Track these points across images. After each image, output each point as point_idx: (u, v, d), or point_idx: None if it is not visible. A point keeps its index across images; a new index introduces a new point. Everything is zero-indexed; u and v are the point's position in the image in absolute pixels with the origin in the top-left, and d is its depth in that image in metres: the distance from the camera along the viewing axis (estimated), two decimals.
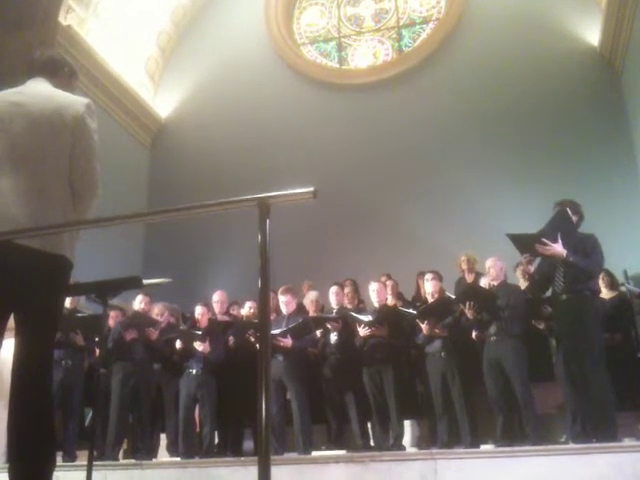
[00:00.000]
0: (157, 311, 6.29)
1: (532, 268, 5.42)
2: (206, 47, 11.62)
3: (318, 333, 5.77)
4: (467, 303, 5.16)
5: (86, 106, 2.52)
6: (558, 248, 4.66)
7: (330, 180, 9.13)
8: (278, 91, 10.83)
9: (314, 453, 5.21)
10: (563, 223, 4.71)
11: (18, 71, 2.67)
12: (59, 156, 2.42)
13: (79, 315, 5.98)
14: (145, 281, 3.05)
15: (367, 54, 11.48)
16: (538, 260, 5.25)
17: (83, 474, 2.66)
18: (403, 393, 5.30)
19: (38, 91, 2.53)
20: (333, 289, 6.01)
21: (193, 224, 9.77)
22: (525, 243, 4.87)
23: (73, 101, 2.52)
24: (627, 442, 4.56)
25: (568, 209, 4.81)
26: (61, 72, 2.69)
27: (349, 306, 5.94)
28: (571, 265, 4.64)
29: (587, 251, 4.69)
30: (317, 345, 5.82)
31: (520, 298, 5.25)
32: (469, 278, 6.34)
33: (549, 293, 5.03)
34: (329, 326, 5.63)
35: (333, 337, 5.61)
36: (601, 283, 6.01)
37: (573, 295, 4.66)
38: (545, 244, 4.67)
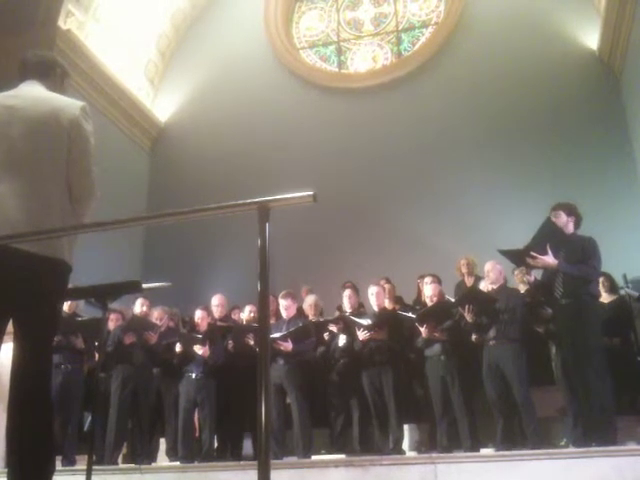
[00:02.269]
0: (156, 315, 6.28)
1: (531, 278, 5.42)
2: (206, 51, 11.64)
3: (325, 336, 5.76)
4: (466, 306, 5.16)
5: (81, 109, 2.52)
6: (548, 259, 4.66)
7: (330, 184, 9.14)
8: (278, 95, 10.84)
9: (314, 457, 5.20)
10: (550, 232, 4.70)
11: (17, 75, 2.67)
12: (56, 159, 2.42)
13: (79, 319, 5.98)
14: (145, 285, 3.05)
15: (366, 58, 11.49)
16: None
17: (82, 478, 2.66)
18: (403, 397, 5.29)
19: (33, 94, 2.52)
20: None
21: (193, 228, 9.77)
22: (517, 257, 4.88)
23: (68, 104, 2.52)
24: (627, 446, 4.56)
25: (562, 212, 4.82)
26: (53, 74, 2.68)
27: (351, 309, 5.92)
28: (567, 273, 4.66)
29: (585, 255, 4.68)
30: (317, 349, 5.82)
31: (519, 301, 5.24)
32: (469, 282, 6.34)
33: None
34: (334, 329, 5.62)
35: (342, 340, 5.60)
36: (601, 287, 6.00)
37: (573, 300, 4.65)
38: (534, 257, 4.68)
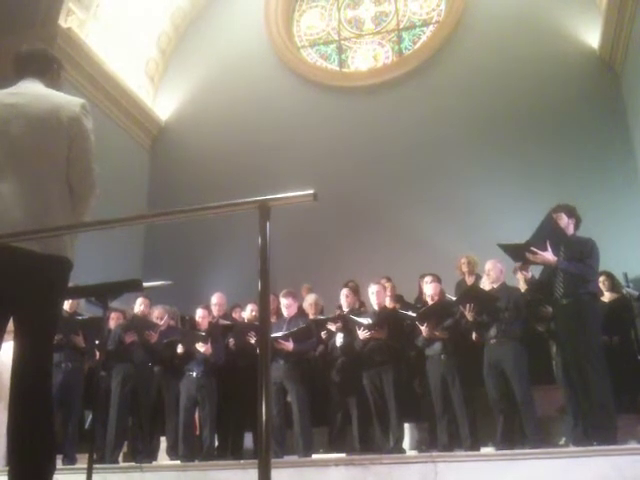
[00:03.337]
0: (157, 314, 6.28)
1: (529, 274, 5.42)
2: (206, 49, 11.62)
3: (323, 335, 5.76)
4: (467, 305, 5.15)
5: (81, 106, 2.52)
6: (548, 256, 4.68)
7: (330, 182, 9.13)
8: (278, 94, 10.83)
9: (314, 456, 5.20)
10: (551, 230, 4.71)
11: (12, 71, 2.66)
12: (57, 157, 2.41)
13: (79, 318, 5.98)
14: (145, 284, 3.05)
15: (367, 57, 11.47)
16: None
17: (83, 477, 2.66)
18: (403, 395, 5.29)
19: (33, 92, 2.52)
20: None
21: (193, 226, 9.77)
22: (516, 252, 4.89)
23: (68, 101, 2.52)
24: (627, 445, 4.56)
25: (564, 214, 4.83)
26: (51, 70, 2.68)
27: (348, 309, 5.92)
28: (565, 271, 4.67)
29: (584, 255, 4.70)
30: (317, 348, 5.82)
31: (520, 300, 5.24)
32: (469, 280, 6.33)
33: None
34: (332, 328, 5.62)
35: (339, 340, 5.60)
36: (602, 286, 6.01)
37: (573, 299, 4.66)
38: (534, 252, 4.68)
